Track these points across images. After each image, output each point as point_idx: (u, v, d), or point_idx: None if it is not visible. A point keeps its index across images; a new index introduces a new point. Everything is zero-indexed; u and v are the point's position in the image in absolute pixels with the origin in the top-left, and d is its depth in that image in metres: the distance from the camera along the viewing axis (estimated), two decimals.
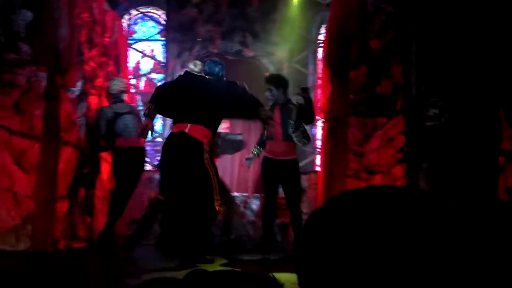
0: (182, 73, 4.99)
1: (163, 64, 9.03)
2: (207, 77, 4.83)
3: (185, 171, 4.44)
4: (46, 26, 5.14)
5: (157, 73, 10.37)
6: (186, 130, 4.41)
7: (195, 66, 5.73)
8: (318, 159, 8.46)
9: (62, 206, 5.36)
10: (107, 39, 6.64)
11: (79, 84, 5.69)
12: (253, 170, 10.19)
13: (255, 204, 7.80)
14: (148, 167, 7.69)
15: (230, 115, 4.99)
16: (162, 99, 4.56)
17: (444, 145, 4.77)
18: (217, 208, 4.40)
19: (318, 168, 8.02)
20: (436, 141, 4.85)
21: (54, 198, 5.14)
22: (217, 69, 4.92)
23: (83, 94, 5.86)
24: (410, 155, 5.14)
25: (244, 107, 4.62)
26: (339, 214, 1.70)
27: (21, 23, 5.22)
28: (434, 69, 5.17)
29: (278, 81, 5.59)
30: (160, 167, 4.84)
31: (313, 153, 9.18)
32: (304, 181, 7.16)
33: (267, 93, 5.52)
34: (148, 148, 10.52)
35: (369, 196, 1.71)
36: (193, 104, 4.52)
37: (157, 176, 7.00)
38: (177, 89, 4.62)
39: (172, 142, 4.51)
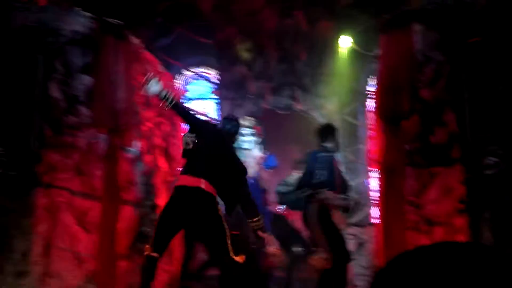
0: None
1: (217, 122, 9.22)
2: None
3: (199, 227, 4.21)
4: (104, 89, 5.36)
5: None
6: (203, 186, 4.13)
7: (245, 122, 5.86)
8: (372, 211, 8.28)
9: (123, 265, 5.42)
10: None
11: (136, 144, 5.85)
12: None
13: None
14: None
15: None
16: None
17: (507, 193, 4.61)
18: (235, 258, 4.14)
19: (373, 220, 7.85)
20: (497, 189, 4.69)
21: (115, 257, 5.21)
22: (228, 126, 4.72)
23: (141, 154, 6.02)
24: (471, 205, 4.97)
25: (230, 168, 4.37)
26: (404, 274, 1.64)
27: (80, 87, 5.48)
28: (489, 116, 5.06)
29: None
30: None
31: (368, 205, 9.00)
32: (362, 233, 7.01)
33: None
34: None
35: (434, 254, 1.65)
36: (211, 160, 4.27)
37: None
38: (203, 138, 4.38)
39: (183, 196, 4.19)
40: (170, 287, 5.98)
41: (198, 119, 4.57)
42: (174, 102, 4.21)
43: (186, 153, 4.43)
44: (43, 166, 5.15)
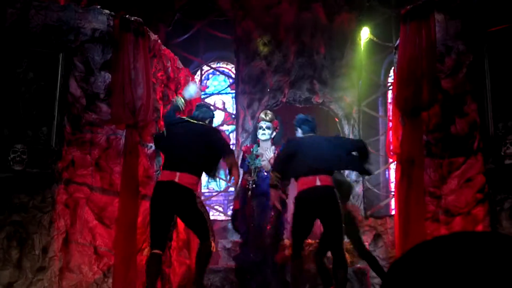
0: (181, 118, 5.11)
1: (234, 116, 9.25)
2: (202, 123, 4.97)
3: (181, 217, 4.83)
4: (123, 86, 5.41)
5: (228, 124, 10.62)
6: (176, 180, 4.57)
7: (265, 116, 5.85)
8: (393, 203, 8.24)
9: (142, 259, 5.50)
10: (181, 95, 6.90)
11: None
12: None
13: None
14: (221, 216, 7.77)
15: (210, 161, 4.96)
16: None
17: None
18: (212, 245, 4.66)
19: (393, 212, 7.80)
20: None
21: (133, 251, 5.27)
22: (196, 113, 5.08)
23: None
24: (491, 195, 4.92)
25: (214, 152, 4.77)
26: (422, 264, 1.62)
27: (101, 84, 5.55)
28: (511, 105, 4.99)
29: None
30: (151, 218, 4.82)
31: (387, 196, 8.96)
32: (379, 225, 6.98)
33: None
34: (221, 198, 10.67)
35: (452, 244, 1.63)
36: (185, 152, 4.70)
37: (229, 225, 7.04)
38: (172, 134, 4.85)
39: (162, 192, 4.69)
40: (189, 279, 6.03)
41: (166, 116, 5.14)
42: None
43: (161, 149, 5.06)
44: (63, 162, 5.23)
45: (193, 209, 4.62)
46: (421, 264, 1.63)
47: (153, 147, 5.84)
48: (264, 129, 5.83)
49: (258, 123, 5.98)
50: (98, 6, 5.71)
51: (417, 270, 1.62)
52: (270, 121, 5.83)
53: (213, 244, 4.67)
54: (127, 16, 5.65)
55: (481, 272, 1.51)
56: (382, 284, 1.69)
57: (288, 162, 4.89)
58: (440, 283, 1.54)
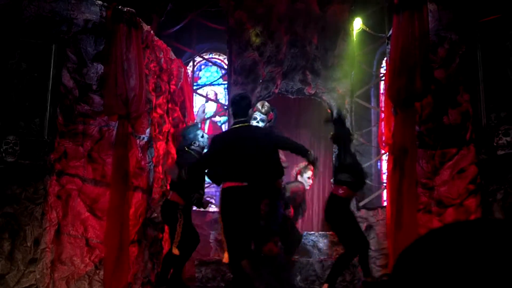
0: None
1: (226, 107, 9.23)
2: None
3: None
4: (116, 77, 5.39)
5: (220, 116, 10.60)
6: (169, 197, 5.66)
7: (262, 107, 5.77)
8: (385, 194, 8.28)
9: (133, 251, 5.50)
10: (173, 86, 6.89)
11: (147, 131, 5.89)
12: (320, 208, 10.09)
13: (322, 243, 7.68)
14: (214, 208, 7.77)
15: None
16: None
17: None
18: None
19: (385, 203, 7.84)
20: (510, 170, 4.65)
21: (125, 243, 5.26)
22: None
23: (152, 140, 6.06)
24: (483, 186, 4.94)
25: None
26: (430, 253, 1.62)
27: (93, 75, 5.52)
28: (504, 95, 5.01)
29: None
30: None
31: (379, 187, 8.99)
32: (371, 216, 7.01)
33: None
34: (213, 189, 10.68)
35: (463, 231, 1.62)
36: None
37: None
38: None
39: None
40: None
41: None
42: None
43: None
44: (55, 154, 5.21)
45: (173, 220, 5.57)
46: (429, 253, 1.62)
47: (146, 139, 5.82)
48: (258, 121, 5.79)
49: (254, 112, 5.89)
50: None
51: (426, 259, 1.61)
52: (265, 113, 5.78)
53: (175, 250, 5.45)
54: (119, 7, 5.61)
55: (493, 259, 1.49)
56: (391, 274, 1.68)
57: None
58: (450, 273, 1.53)
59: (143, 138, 5.81)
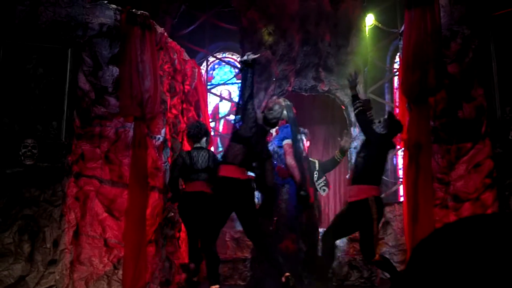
0: None
1: None
2: None
3: None
4: (131, 79, 5.45)
5: (234, 114, 10.65)
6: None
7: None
8: (401, 189, 8.25)
9: (151, 250, 5.55)
10: (187, 87, 6.94)
11: (163, 131, 5.95)
12: (336, 205, 10.09)
13: (338, 240, 7.66)
14: None
15: None
16: None
17: None
18: None
19: (401, 199, 7.82)
20: None
21: (143, 243, 5.32)
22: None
23: (167, 140, 6.12)
24: (499, 180, 4.92)
25: None
26: (446, 246, 1.63)
27: (109, 78, 5.59)
28: None
29: None
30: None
31: (396, 183, 8.97)
32: (388, 212, 6.99)
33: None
34: None
35: (478, 225, 1.63)
36: None
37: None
38: None
39: None
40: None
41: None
42: None
43: None
44: (72, 156, 5.28)
45: None
46: (445, 246, 1.62)
47: (161, 139, 5.88)
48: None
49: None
50: (105, 1, 5.74)
51: (442, 251, 1.61)
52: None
53: None
54: (133, 10, 5.67)
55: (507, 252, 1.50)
56: (407, 265, 1.69)
57: None
58: (465, 265, 1.54)
59: (159, 138, 5.86)
